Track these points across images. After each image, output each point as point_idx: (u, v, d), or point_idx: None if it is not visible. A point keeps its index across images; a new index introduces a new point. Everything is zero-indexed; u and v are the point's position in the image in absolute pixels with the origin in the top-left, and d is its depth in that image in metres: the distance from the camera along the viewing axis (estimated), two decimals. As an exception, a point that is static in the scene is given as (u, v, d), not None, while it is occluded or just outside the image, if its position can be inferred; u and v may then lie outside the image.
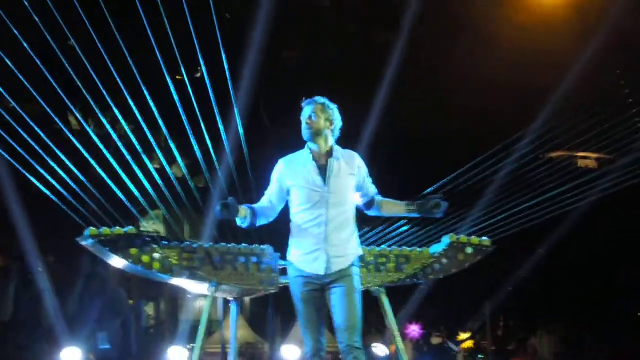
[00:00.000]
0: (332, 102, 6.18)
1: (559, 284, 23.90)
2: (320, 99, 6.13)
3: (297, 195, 6.01)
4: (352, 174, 6.07)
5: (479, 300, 24.49)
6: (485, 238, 8.20)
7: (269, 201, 6.17)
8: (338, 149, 6.10)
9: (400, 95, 16.31)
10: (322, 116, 6.05)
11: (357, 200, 6.26)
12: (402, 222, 10.26)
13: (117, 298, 22.48)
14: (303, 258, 5.96)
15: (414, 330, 25.97)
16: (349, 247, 6.01)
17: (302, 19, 20.99)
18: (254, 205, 6.16)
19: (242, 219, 6.05)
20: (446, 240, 7.99)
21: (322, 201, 5.91)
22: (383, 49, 15.67)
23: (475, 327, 29.34)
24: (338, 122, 6.14)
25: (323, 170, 5.97)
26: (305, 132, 6.06)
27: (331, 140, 6.09)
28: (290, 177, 6.03)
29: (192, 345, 8.03)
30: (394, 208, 6.35)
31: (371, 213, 6.40)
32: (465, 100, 18.18)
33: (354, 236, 6.10)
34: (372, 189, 6.31)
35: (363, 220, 6.52)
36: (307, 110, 6.08)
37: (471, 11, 18.71)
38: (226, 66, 9.08)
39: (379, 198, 6.33)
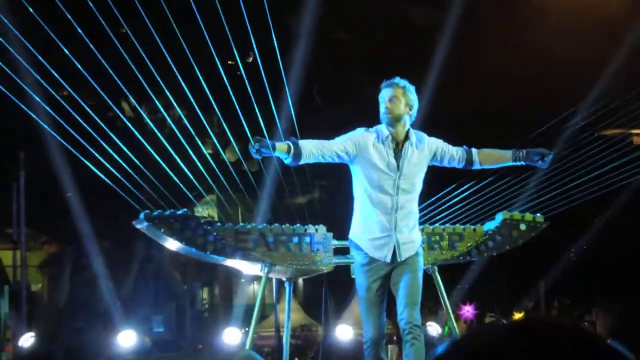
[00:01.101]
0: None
1: (616, 261, 23.57)
2: (401, 82, 5.94)
3: (367, 174, 5.86)
4: (425, 158, 5.96)
5: (533, 278, 24.29)
6: (539, 215, 8.16)
7: (334, 145, 5.87)
8: (413, 134, 5.96)
9: (455, 70, 16.21)
10: (402, 100, 5.87)
11: (454, 165, 6.18)
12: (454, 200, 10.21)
13: (171, 282, 22.71)
14: (371, 243, 5.90)
15: (468, 310, 25.78)
16: (415, 233, 6.01)
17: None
18: (303, 141, 5.88)
19: (284, 154, 5.78)
20: (499, 217, 7.96)
21: (393, 186, 5.82)
22: (435, 26, 15.57)
23: (530, 306, 29.13)
24: (416, 105, 5.98)
25: (398, 154, 5.86)
26: (384, 117, 5.91)
27: (408, 125, 5.96)
28: (367, 149, 5.84)
29: (246, 329, 8.09)
30: (499, 159, 6.27)
31: (474, 168, 6.28)
32: (519, 72, 18.03)
33: (418, 222, 6.11)
34: (457, 149, 6.15)
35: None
36: (386, 92, 5.92)
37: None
38: (277, 49, 9.10)
39: (475, 151, 6.18)
